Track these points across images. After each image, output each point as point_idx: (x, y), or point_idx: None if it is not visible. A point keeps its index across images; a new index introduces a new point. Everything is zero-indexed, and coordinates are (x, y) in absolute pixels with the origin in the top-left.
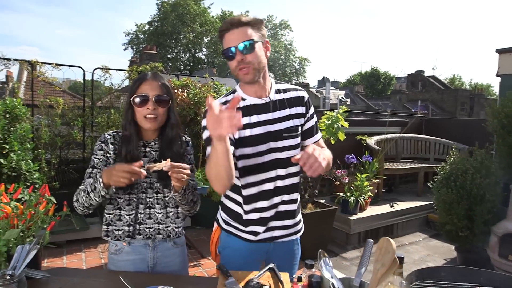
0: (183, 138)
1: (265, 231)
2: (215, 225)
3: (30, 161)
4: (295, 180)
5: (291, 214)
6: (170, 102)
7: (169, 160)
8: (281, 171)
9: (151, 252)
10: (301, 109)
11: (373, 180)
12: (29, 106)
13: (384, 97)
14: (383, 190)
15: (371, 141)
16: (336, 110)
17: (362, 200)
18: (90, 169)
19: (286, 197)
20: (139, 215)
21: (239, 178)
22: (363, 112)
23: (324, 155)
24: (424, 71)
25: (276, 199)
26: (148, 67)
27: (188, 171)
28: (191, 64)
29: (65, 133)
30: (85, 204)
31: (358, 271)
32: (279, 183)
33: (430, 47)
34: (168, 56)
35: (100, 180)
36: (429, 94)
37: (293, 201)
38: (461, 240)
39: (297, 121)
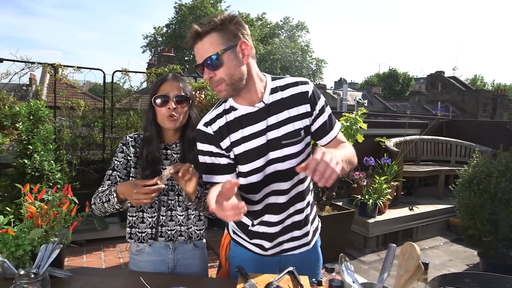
0: None
1: (274, 246)
2: (226, 230)
3: (52, 162)
4: (301, 188)
5: (297, 225)
6: (190, 102)
7: (170, 166)
8: (284, 185)
9: (171, 253)
10: (304, 108)
11: (392, 183)
12: (52, 108)
13: (402, 98)
14: (402, 193)
15: (390, 143)
16: (354, 112)
17: (381, 203)
18: (110, 171)
19: (291, 210)
20: (161, 217)
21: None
22: (381, 114)
23: (341, 155)
24: (444, 72)
25: (283, 214)
26: (166, 69)
27: (193, 171)
28: None
29: (85, 135)
30: (101, 209)
31: (381, 276)
32: (282, 198)
33: (450, 48)
34: (186, 58)
35: (114, 194)
36: (449, 95)
37: (299, 211)
38: (484, 245)
39: (299, 124)
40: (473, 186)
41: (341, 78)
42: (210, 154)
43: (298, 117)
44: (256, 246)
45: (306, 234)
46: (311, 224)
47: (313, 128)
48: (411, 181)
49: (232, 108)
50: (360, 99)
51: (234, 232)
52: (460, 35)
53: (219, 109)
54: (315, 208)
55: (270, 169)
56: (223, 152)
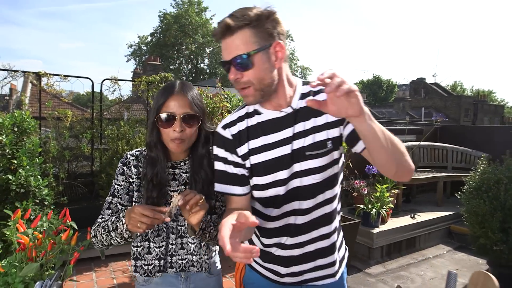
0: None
1: (292, 274)
2: None
3: (39, 177)
4: (328, 209)
5: (322, 253)
6: (201, 119)
7: (176, 194)
8: (305, 204)
9: (183, 283)
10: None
11: (393, 191)
12: (37, 119)
13: (387, 104)
14: (401, 200)
15: None
16: None
17: (384, 212)
18: (110, 198)
19: (314, 234)
20: (170, 246)
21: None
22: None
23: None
24: (425, 78)
25: (303, 237)
26: (158, 77)
27: (203, 203)
28: (194, 74)
29: (73, 146)
30: (105, 242)
31: None
32: (301, 219)
33: (430, 54)
34: (171, 67)
35: (123, 220)
36: (432, 101)
37: (325, 236)
38: (495, 254)
39: (325, 134)
40: (482, 194)
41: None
42: (225, 161)
43: (325, 126)
44: (271, 272)
45: (332, 264)
46: (338, 252)
47: (345, 132)
48: (409, 188)
49: (256, 112)
50: None
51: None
52: (439, 42)
53: (242, 112)
54: (341, 234)
55: (291, 184)
56: (238, 160)
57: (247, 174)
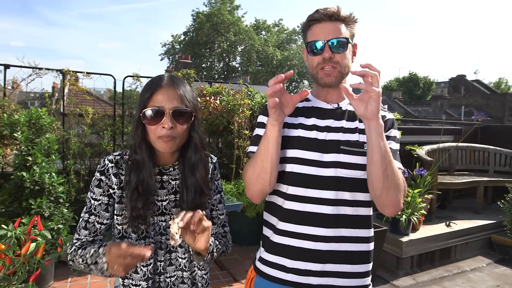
0: (210, 159)
1: (309, 273)
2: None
3: (54, 174)
4: (364, 211)
5: (352, 258)
6: (193, 117)
7: (176, 220)
8: (346, 195)
9: None
10: None
11: (426, 196)
12: (66, 116)
13: (423, 103)
14: (436, 206)
15: (422, 151)
16: None
17: (415, 218)
18: (87, 216)
19: (345, 232)
20: (158, 263)
21: (282, 184)
22: (410, 119)
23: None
24: (466, 75)
25: (330, 231)
26: (180, 73)
27: (206, 222)
28: (225, 72)
29: (95, 143)
30: (85, 270)
31: None
32: (327, 209)
33: (471, 51)
34: (203, 65)
35: (103, 259)
36: (473, 99)
37: (359, 239)
38: None
39: (364, 138)
40: None
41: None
42: (265, 126)
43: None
44: (276, 268)
45: (367, 273)
46: (370, 264)
47: None
48: (444, 193)
49: (306, 100)
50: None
51: (259, 258)
52: (481, 37)
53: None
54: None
55: (331, 171)
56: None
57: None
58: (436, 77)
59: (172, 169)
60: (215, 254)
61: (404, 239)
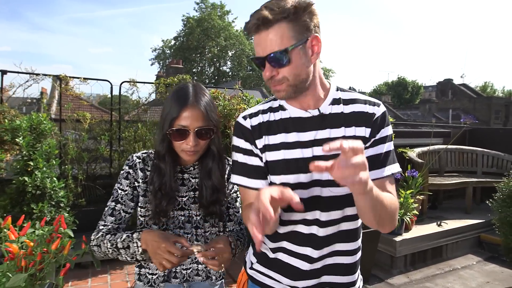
0: (227, 161)
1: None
2: (243, 267)
3: (55, 179)
4: (351, 225)
5: (339, 270)
6: (214, 132)
7: (196, 248)
8: (322, 215)
9: None
10: (363, 131)
11: (418, 197)
12: (57, 121)
13: (412, 106)
14: (427, 207)
15: (413, 154)
16: None
17: (408, 218)
18: (113, 204)
19: (331, 248)
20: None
21: None
22: (401, 123)
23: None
24: (453, 79)
25: (315, 253)
26: (175, 79)
27: (227, 253)
28: (216, 77)
29: (92, 148)
30: (110, 256)
31: None
32: (316, 230)
33: (457, 55)
34: (194, 70)
35: (138, 243)
36: (460, 103)
37: (348, 252)
38: None
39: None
40: None
41: (349, 87)
42: (244, 152)
43: (353, 139)
44: (275, 280)
45: (351, 284)
46: (357, 274)
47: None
48: (434, 194)
49: (281, 108)
50: None
51: (251, 267)
52: (467, 42)
53: (265, 106)
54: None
55: (311, 192)
56: (258, 152)
57: (263, 164)
58: (424, 81)
59: (192, 168)
60: (236, 254)
61: (398, 238)
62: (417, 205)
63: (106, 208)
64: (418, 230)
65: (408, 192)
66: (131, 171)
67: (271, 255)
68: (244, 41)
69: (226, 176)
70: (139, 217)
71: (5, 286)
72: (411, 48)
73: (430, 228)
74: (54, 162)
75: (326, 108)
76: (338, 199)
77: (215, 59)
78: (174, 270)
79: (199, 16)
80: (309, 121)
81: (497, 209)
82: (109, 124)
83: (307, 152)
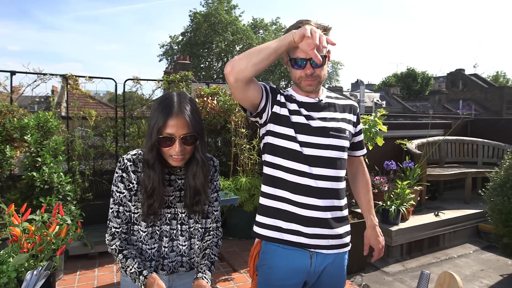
0: (212, 162)
1: (305, 235)
2: (256, 240)
3: (62, 174)
4: (342, 185)
5: (333, 222)
6: (199, 138)
7: None
8: (329, 171)
9: (172, 282)
10: (352, 117)
11: (415, 188)
12: (65, 119)
13: (422, 98)
14: (426, 197)
15: (412, 145)
16: (372, 114)
17: (404, 209)
18: (116, 207)
19: (336, 202)
20: (163, 248)
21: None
22: (401, 115)
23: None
24: (464, 70)
25: (322, 202)
26: (178, 76)
27: None
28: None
29: (98, 144)
30: (120, 265)
31: None
32: (322, 183)
33: (469, 45)
34: (201, 65)
35: (143, 281)
36: (471, 93)
37: (338, 208)
38: None
39: (347, 125)
40: (507, 191)
41: (358, 79)
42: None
43: (347, 120)
44: (290, 233)
45: (347, 233)
46: (346, 227)
47: (354, 140)
48: (435, 185)
49: (292, 96)
50: (378, 100)
51: (264, 226)
52: (480, 31)
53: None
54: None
55: (313, 151)
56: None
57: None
58: (434, 72)
59: (179, 170)
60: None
61: (394, 228)
62: (414, 195)
63: (111, 211)
64: (415, 220)
65: (405, 183)
66: (124, 174)
67: (277, 204)
68: (252, 35)
69: (210, 176)
70: (130, 212)
71: (9, 264)
72: (420, 38)
73: (428, 218)
74: (61, 158)
75: (325, 99)
76: (333, 160)
77: (222, 54)
78: (161, 263)
79: (205, 11)
80: (314, 105)
81: (489, 199)
82: (114, 121)
83: (311, 123)
